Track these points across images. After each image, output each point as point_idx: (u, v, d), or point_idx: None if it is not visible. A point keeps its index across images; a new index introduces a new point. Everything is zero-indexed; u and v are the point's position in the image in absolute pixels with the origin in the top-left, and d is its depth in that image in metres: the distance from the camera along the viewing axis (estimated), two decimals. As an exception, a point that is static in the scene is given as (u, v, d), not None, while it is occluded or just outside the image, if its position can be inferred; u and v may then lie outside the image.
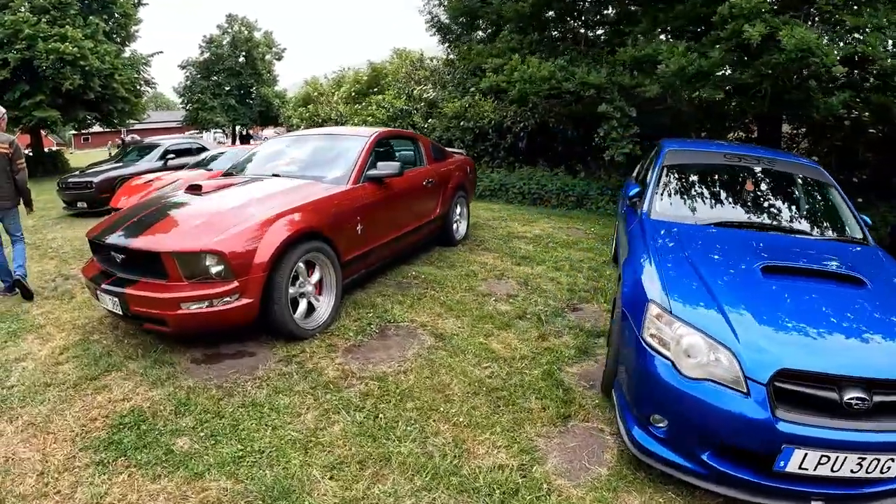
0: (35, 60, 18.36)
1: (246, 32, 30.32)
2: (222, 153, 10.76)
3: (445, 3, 13.99)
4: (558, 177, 11.88)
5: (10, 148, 5.01)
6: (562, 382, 3.51)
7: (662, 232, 3.59)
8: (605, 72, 9.64)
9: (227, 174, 5.60)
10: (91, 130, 26.08)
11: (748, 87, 8.30)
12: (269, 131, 46.68)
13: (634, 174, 6.25)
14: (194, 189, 4.61)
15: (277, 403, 3.25)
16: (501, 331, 4.26)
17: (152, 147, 12.84)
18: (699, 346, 2.38)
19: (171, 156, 12.19)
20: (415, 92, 14.38)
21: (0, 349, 4.05)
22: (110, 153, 16.56)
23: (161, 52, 25.22)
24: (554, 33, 12.82)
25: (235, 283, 3.60)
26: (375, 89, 16.25)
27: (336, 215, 4.43)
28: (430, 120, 13.76)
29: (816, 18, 8.31)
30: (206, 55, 30.19)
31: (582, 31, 12.67)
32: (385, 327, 4.35)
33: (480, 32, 14.64)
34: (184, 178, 8.81)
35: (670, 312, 2.54)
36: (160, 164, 11.91)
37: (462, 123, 12.80)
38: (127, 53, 23.50)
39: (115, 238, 3.86)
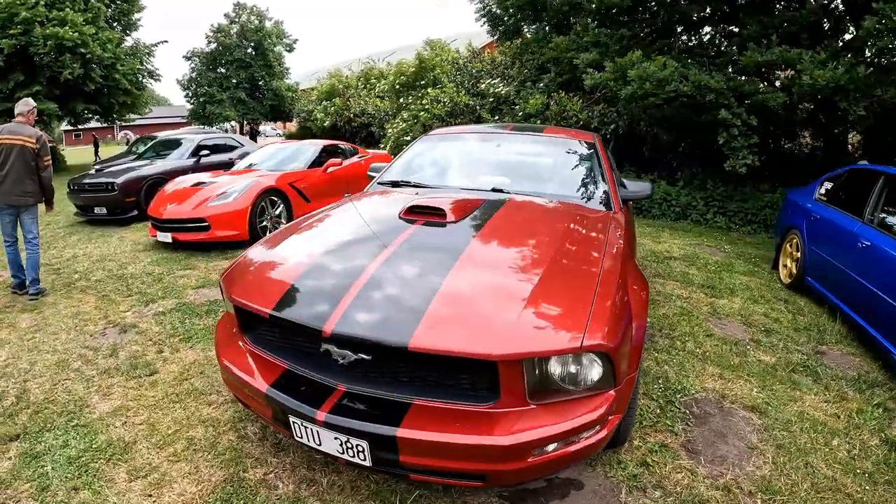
0: (31, 47, 16.60)
1: (256, 21, 28.13)
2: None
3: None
4: (658, 185, 10.39)
5: (37, 143, 4.80)
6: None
7: None
8: (718, 76, 8.75)
9: (394, 183, 3.80)
10: (82, 127, 24.05)
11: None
12: (265, 127, 44.54)
13: (822, 196, 5.66)
14: (431, 215, 2.78)
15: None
16: (796, 391, 3.58)
17: (175, 142, 10.94)
18: None
19: (206, 152, 10.29)
20: (482, 86, 12.73)
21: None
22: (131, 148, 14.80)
23: (166, 41, 23.23)
24: (646, 29, 11.60)
25: (612, 394, 2.03)
26: (422, 82, 14.46)
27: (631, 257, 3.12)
28: (496, 117, 12.17)
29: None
30: (213, 46, 28.04)
31: (679, 29, 11.64)
32: (688, 404, 3.34)
33: (528, 24, 13.69)
34: (260, 179, 6.95)
35: None
36: (192, 161, 10.02)
37: (538, 123, 11.22)
38: (129, 42, 21.55)
39: (357, 326, 1.96)
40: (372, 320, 1.97)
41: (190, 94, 28.33)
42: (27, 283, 5.00)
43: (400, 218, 2.78)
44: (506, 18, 14.23)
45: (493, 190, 3.44)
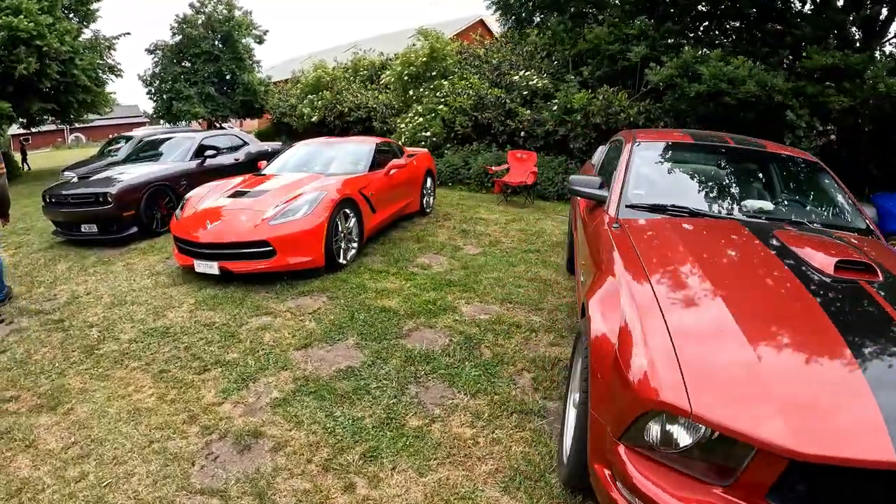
0: (-20, 41, 14.43)
1: (225, 11, 26.09)
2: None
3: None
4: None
5: None
6: None
7: None
8: (781, 76, 8.86)
9: (653, 207, 3.15)
10: (35, 130, 21.75)
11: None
12: (226, 125, 42.29)
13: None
14: (861, 272, 2.30)
15: None
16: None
17: (166, 142, 9.39)
18: None
19: (211, 152, 8.78)
20: (515, 78, 11.81)
21: None
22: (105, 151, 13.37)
23: (128, 33, 21.22)
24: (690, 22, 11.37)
25: None
26: (433, 73, 13.16)
27: None
28: (529, 111, 11.10)
29: None
30: (179, 38, 25.81)
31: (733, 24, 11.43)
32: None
33: (547, 14, 13.11)
34: (327, 186, 5.47)
35: None
36: (195, 163, 8.53)
37: (578, 118, 10.23)
38: (87, 34, 19.46)
39: None
40: None
41: (153, 91, 26.07)
42: None
43: (833, 278, 2.23)
44: (519, 7, 13.65)
45: (791, 222, 3.06)
